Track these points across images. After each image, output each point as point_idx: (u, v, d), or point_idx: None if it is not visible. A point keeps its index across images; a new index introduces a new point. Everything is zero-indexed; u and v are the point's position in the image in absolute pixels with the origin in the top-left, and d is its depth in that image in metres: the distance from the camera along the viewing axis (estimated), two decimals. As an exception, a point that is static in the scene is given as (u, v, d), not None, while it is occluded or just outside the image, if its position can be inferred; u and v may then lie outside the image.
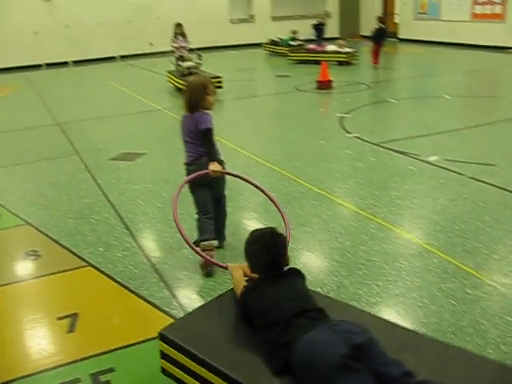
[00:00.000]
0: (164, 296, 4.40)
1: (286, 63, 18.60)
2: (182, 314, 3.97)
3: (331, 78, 13.36)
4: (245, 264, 3.39)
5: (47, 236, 5.65)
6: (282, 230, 4.08)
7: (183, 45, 14.70)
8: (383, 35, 16.31)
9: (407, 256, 4.87)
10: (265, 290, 3.08)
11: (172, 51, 15.04)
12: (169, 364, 3.19)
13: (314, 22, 20.62)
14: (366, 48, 16.84)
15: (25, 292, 4.67)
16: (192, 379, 3.03)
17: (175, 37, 14.78)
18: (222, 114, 10.94)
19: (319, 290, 4.32)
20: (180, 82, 13.18)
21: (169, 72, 14.59)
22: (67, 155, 8.66)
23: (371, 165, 7.46)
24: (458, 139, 8.58)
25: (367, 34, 20.24)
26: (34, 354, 3.76)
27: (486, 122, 9.60)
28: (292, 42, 20.00)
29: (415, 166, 7.28)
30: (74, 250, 5.28)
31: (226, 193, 5.11)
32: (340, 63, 17.12)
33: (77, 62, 21.85)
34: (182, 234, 4.08)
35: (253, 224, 5.58)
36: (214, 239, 4.82)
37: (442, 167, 7.17)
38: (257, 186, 4.68)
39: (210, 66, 14.69)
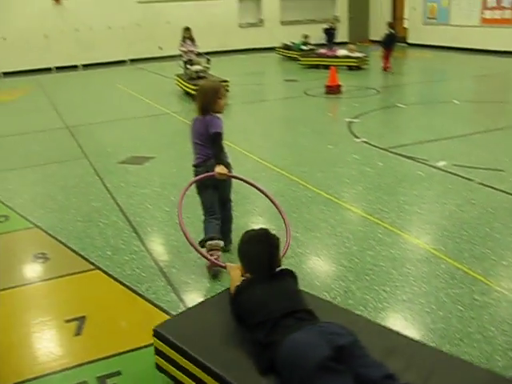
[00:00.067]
0: (171, 300, 4.41)
1: (295, 67, 18.62)
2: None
3: (340, 83, 13.36)
4: None
5: (56, 239, 5.68)
6: (283, 231, 4.11)
7: (191, 49, 14.75)
8: (393, 40, 16.30)
9: (415, 261, 4.85)
10: (255, 290, 3.11)
11: (180, 55, 15.10)
12: (163, 361, 3.24)
13: (325, 26, 20.61)
14: (377, 53, 16.79)
15: (33, 294, 4.69)
16: (185, 376, 3.08)
17: (183, 41, 14.82)
18: (231, 118, 10.95)
19: (326, 294, 4.33)
20: (188, 85, 13.23)
21: (177, 76, 14.64)
22: (76, 158, 8.70)
23: (379, 170, 7.45)
24: (466, 144, 8.55)
25: (376, 38, 20.22)
26: (41, 356, 3.77)
27: (495, 127, 9.56)
28: (303, 47, 20.00)
29: (423, 172, 7.26)
30: (82, 253, 5.30)
31: (233, 197, 5.14)
32: (350, 68, 17.11)
33: (86, 66, 21.96)
34: (183, 232, 4.12)
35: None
36: (220, 239, 4.83)
37: (450, 172, 7.15)
38: (260, 190, 4.71)
39: (218, 70, 14.73)
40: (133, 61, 22.68)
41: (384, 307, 4.17)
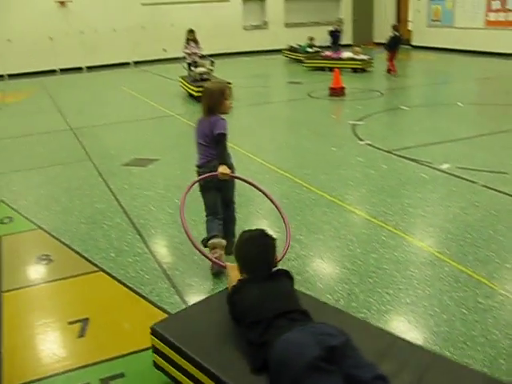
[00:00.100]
0: (175, 302, 4.40)
1: (300, 70, 18.65)
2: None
3: (344, 85, 13.36)
4: None
5: (59, 241, 5.69)
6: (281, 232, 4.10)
7: (195, 51, 14.79)
8: (398, 43, 16.28)
9: (418, 264, 4.85)
10: (250, 290, 3.13)
11: (184, 57, 15.13)
12: (160, 359, 3.26)
13: (331, 28, 20.59)
14: (382, 55, 16.79)
15: (36, 296, 4.70)
16: (181, 375, 3.10)
17: (187, 43, 14.87)
18: (235, 120, 10.94)
19: (329, 297, 4.33)
20: (192, 87, 13.24)
21: (182, 78, 14.67)
22: (80, 160, 8.72)
23: (383, 172, 7.45)
24: (470, 147, 8.54)
25: (380, 41, 20.22)
26: (44, 358, 3.78)
27: (500, 129, 9.54)
28: (309, 49, 20.00)
29: (427, 174, 7.25)
30: (86, 255, 5.31)
31: (236, 199, 5.15)
32: (355, 70, 17.12)
33: (90, 68, 22.02)
34: (184, 229, 4.15)
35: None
36: (222, 238, 4.85)
37: (454, 175, 7.14)
38: (261, 190, 4.74)
39: (223, 72, 14.76)
40: (137, 63, 22.74)
41: (387, 310, 4.16)
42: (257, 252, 3.30)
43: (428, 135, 9.34)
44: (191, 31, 14.97)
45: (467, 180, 6.93)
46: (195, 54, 14.84)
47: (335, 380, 2.51)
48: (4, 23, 20.47)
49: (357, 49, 17.84)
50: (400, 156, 8.08)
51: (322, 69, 17.75)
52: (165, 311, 4.25)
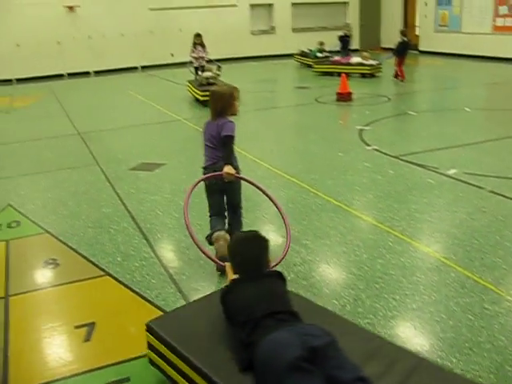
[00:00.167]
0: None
1: (308, 74, 18.68)
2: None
3: (351, 90, 13.37)
4: None
5: (66, 245, 5.71)
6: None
7: (202, 55, 14.85)
8: (406, 48, 16.24)
9: (425, 270, 4.84)
10: (242, 291, 3.17)
11: (191, 61, 15.18)
12: (154, 355, 3.29)
13: (340, 33, 20.56)
14: (391, 61, 16.77)
15: (43, 300, 4.72)
16: (174, 372, 3.14)
17: (194, 47, 14.93)
18: (243, 125, 10.92)
19: (335, 302, 4.33)
20: (197, 92, 13.28)
21: (189, 82, 14.70)
22: (87, 165, 8.75)
23: (390, 177, 7.44)
24: (477, 152, 8.52)
25: (388, 46, 20.20)
26: (51, 362, 3.79)
27: (507, 135, 9.52)
28: (319, 54, 19.99)
29: (434, 180, 7.24)
30: (93, 259, 5.33)
31: (243, 204, 5.17)
32: (363, 75, 17.11)
33: (98, 72, 22.10)
34: (187, 227, 4.23)
35: (270, 236, 5.58)
36: (226, 232, 4.92)
37: (461, 180, 7.12)
38: (263, 191, 4.84)
39: (230, 76, 14.77)
40: (144, 67, 22.81)
41: (393, 315, 4.15)
42: (249, 253, 3.37)
43: (435, 140, 9.32)
44: (198, 35, 15.03)
45: (474, 185, 6.92)
46: (202, 58, 14.90)
47: (316, 380, 2.55)
48: (12, 28, 20.58)
49: (365, 54, 17.81)
50: (407, 161, 8.07)
51: (330, 74, 17.74)
52: (171, 316, 4.25)
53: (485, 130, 10.33)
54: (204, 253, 4.38)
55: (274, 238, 5.53)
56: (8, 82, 20.80)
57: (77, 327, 4.17)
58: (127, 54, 22.50)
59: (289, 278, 4.70)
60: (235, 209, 5.12)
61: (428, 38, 23.96)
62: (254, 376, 2.76)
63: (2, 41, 20.48)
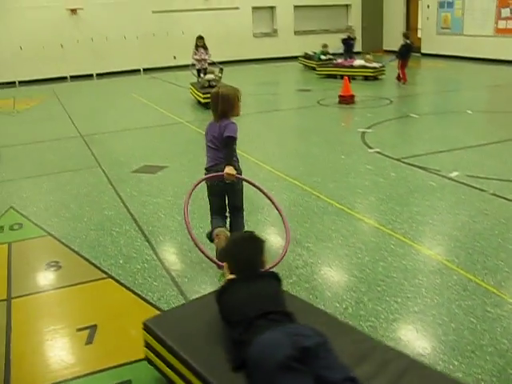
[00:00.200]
0: (183, 309, 4.41)
1: (311, 77, 18.68)
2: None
3: (353, 93, 13.37)
4: None
5: (69, 247, 5.72)
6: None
7: (204, 57, 14.87)
8: (409, 51, 16.23)
9: (427, 272, 4.83)
10: (237, 291, 3.19)
11: (193, 64, 15.19)
12: (151, 354, 3.32)
13: (343, 36, 20.54)
14: (394, 63, 16.76)
15: (45, 302, 4.72)
16: (170, 371, 3.16)
17: (196, 49, 14.95)
18: (245, 127, 10.96)
19: (337, 305, 4.33)
20: (199, 94, 13.31)
21: (192, 84, 14.72)
22: (90, 167, 8.76)
23: (392, 180, 7.44)
24: (479, 155, 8.51)
25: (390, 48, 20.21)
26: (53, 364, 3.79)
27: (509, 137, 9.50)
28: (323, 56, 19.99)
29: (436, 182, 7.24)
30: (95, 262, 5.33)
31: (245, 206, 5.17)
32: (366, 78, 17.11)
33: (101, 75, 22.15)
34: (187, 227, 4.27)
35: (272, 238, 5.60)
36: (226, 229, 4.95)
37: (463, 183, 7.12)
38: (263, 192, 4.90)
39: (232, 79, 14.76)
40: (147, 70, 22.84)
41: (395, 318, 4.15)
42: (244, 253, 3.40)
43: (437, 143, 9.32)
44: (200, 37, 15.05)
45: (476, 188, 6.91)
46: (204, 60, 14.92)
47: (306, 380, 2.56)
48: (16, 30, 20.64)
49: (368, 56, 17.80)
50: (409, 164, 8.07)
51: (333, 76, 17.74)
52: (173, 318, 4.25)
53: (487, 133, 10.31)
54: (203, 252, 4.40)
55: (276, 240, 5.53)
56: (11, 84, 20.87)
57: (79, 330, 4.17)
58: (130, 56, 22.54)
59: (291, 280, 4.71)
60: (237, 211, 5.12)
61: (430, 40, 23.97)
62: (246, 375, 2.77)
63: (5, 43, 20.55)
